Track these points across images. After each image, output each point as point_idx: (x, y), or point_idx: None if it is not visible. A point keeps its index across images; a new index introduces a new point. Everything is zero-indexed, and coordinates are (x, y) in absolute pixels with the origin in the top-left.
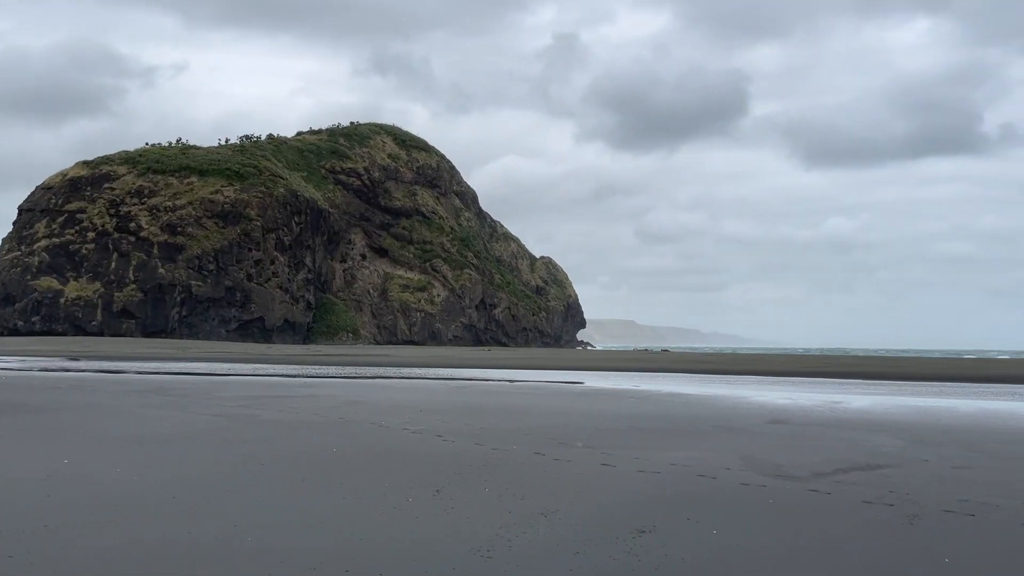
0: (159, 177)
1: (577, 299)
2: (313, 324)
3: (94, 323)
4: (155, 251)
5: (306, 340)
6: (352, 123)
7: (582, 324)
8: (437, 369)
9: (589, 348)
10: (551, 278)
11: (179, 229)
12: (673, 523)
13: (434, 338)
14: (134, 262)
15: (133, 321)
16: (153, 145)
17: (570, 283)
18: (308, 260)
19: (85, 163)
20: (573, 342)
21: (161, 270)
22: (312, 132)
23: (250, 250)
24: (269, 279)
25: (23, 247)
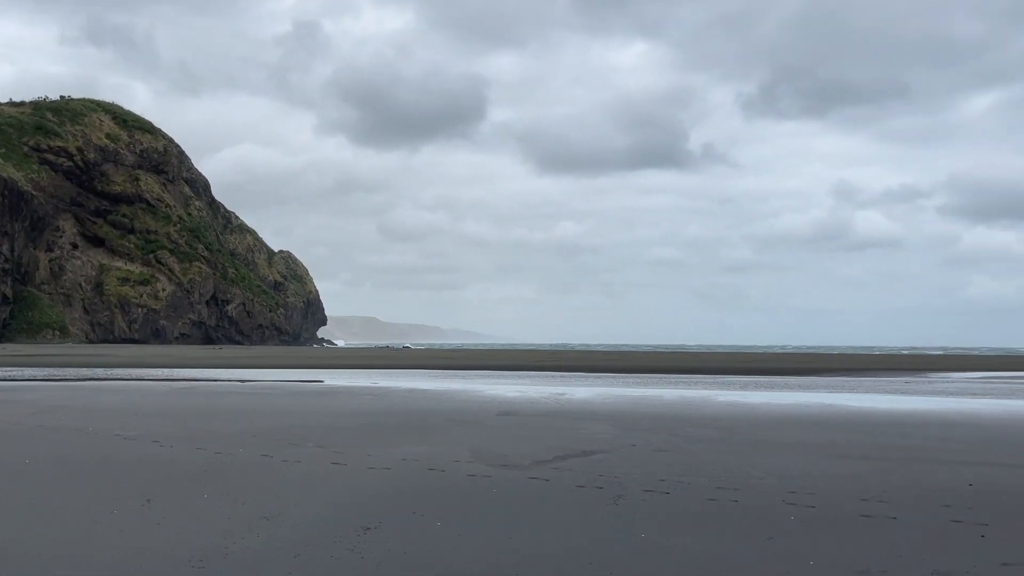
0: None
1: (318, 295)
2: (10, 320)
3: None
4: None
5: (0, 339)
6: (63, 97)
7: (323, 321)
8: (159, 369)
9: (330, 346)
10: (290, 273)
11: None
12: (399, 518)
13: (158, 336)
14: None
15: None
16: None
17: (311, 279)
18: (5, 248)
19: None
20: (313, 340)
21: None
22: (12, 104)
23: None
24: None
25: None
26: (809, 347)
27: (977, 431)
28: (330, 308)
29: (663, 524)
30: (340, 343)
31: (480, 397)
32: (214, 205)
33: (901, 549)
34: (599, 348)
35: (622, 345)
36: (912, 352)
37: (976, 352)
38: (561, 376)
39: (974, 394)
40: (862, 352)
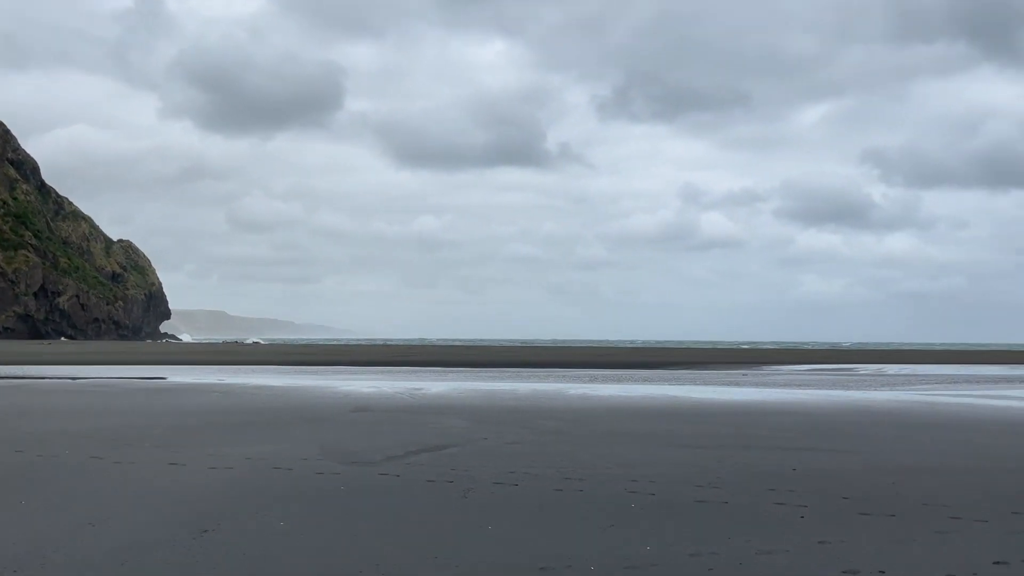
0: None
1: (161, 287)
2: None
3: None
4: None
5: None
6: None
7: (167, 315)
8: None
9: (174, 341)
10: (130, 264)
11: None
12: (240, 519)
13: None
14: None
15: None
16: None
17: (153, 270)
18: None
19: None
20: (156, 334)
21: None
22: None
23: None
24: None
25: None
26: (657, 341)
27: (802, 419)
28: (174, 301)
29: (511, 516)
30: (185, 338)
31: (333, 393)
32: (44, 189)
33: (730, 531)
34: (457, 342)
35: (480, 339)
36: (750, 346)
37: (806, 346)
38: (418, 371)
39: (801, 385)
40: (706, 346)
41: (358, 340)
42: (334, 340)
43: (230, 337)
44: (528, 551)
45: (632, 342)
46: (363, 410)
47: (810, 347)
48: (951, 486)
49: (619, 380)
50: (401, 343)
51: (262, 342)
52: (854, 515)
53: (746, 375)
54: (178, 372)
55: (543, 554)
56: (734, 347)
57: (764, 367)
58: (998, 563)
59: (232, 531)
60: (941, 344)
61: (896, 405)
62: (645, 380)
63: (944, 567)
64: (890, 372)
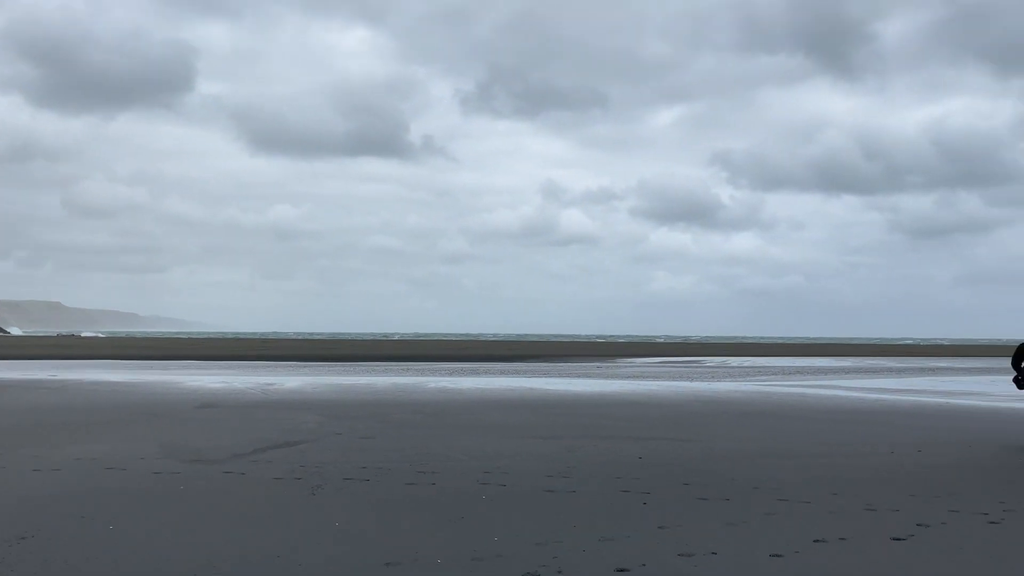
0: None
1: None
2: None
3: None
4: None
5: None
6: None
7: None
8: None
9: (2, 334)
10: None
11: None
12: (63, 524)
13: None
14: None
15: None
16: None
17: None
18: None
19: None
20: None
21: None
22: None
23: None
24: None
25: None
26: (518, 335)
27: (650, 409)
28: (2, 291)
29: (359, 512)
30: (14, 331)
31: (179, 389)
32: None
33: (577, 519)
34: (316, 336)
35: (340, 333)
36: (604, 339)
37: (657, 339)
38: (272, 366)
39: (651, 377)
40: (564, 339)
41: (209, 333)
42: (183, 333)
43: (65, 330)
44: (375, 547)
45: (494, 335)
46: (210, 406)
47: (661, 340)
48: (781, 470)
49: (478, 373)
50: (255, 336)
51: (101, 335)
52: (693, 500)
53: (600, 367)
54: (3, 368)
55: (390, 549)
56: (590, 340)
57: (618, 360)
58: (818, 541)
59: (53, 537)
60: (780, 338)
61: (736, 395)
62: (504, 373)
63: (770, 547)
64: (733, 364)
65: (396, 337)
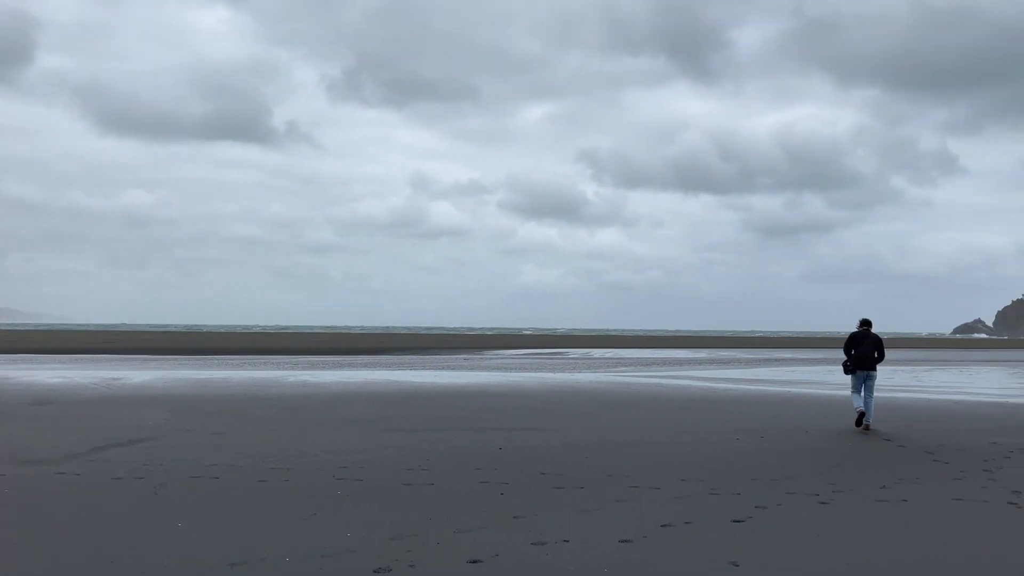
0: None
1: None
2: None
3: None
4: None
5: None
6: None
7: None
8: None
9: None
10: None
11: None
12: None
13: None
14: None
15: None
16: None
17: None
18: None
19: None
20: None
21: None
22: None
23: None
24: None
25: None
26: (386, 327)
27: (514, 400)
28: None
29: (205, 511)
30: None
31: (10, 385)
32: None
33: (433, 512)
34: (170, 328)
35: (196, 325)
36: (473, 332)
37: (524, 331)
38: (119, 359)
39: (516, 368)
40: (432, 332)
41: (49, 325)
42: (18, 325)
43: None
44: (220, 547)
45: (361, 328)
46: (45, 403)
47: (528, 333)
48: (635, 457)
49: (341, 366)
50: (102, 328)
51: None
52: (549, 489)
53: (467, 360)
54: None
55: (236, 549)
56: (458, 333)
57: (485, 352)
58: (665, 525)
59: None
60: (641, 330)
61: (598, 386)
62: (367, 366)
63: (619, 532)
64: (596, 356)
65: (257, 330)
